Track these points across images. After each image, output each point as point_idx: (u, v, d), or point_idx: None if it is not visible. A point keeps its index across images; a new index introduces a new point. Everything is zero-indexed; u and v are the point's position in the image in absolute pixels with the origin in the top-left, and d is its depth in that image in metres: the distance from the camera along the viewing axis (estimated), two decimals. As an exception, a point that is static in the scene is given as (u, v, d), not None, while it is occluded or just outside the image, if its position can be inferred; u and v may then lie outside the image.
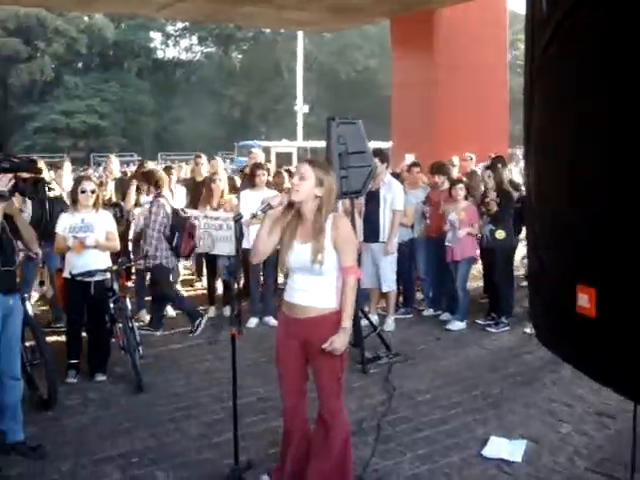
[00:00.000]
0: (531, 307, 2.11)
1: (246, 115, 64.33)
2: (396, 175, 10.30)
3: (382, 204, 8.74)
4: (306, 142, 45.43)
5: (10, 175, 4.17)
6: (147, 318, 9.28)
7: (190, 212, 9.49)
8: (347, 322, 4.26)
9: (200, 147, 55.59)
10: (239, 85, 64.77)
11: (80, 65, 64.97)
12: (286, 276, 4.68)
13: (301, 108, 48.78)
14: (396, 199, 8.79)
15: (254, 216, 4.41)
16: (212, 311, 9.84)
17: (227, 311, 9.69)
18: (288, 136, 48.41)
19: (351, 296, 4.30)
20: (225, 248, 9.30)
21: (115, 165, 11.56)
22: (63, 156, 49.79)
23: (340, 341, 4.22)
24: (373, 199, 8.73)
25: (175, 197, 10.00)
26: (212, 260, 9.84)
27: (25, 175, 4.46)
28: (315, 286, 4.32)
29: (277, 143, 43.75)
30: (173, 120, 65.11)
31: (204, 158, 11.61)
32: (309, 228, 4.33)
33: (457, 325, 9.03)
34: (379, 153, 8.87)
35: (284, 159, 34.99)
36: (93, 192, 7.11)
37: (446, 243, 9.04)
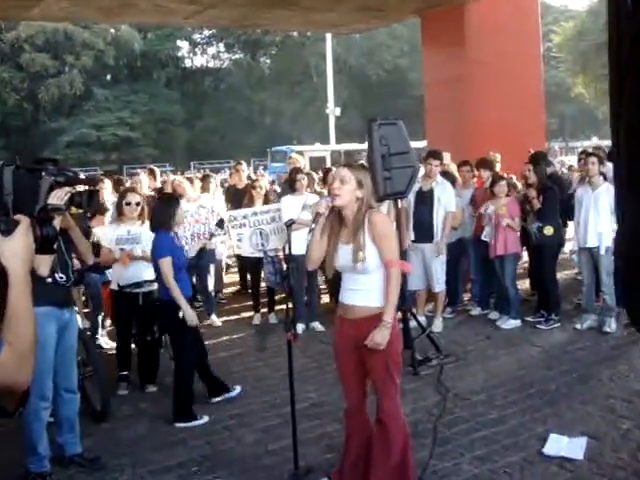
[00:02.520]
0: (631, 297, 2.04)
1: (277, 120, 64.48)
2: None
3: (436, 204, 8.83)
4: (339, 145, 45.54)
5: (67, 189, 4.24)
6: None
7: (238, 212, 9.66)
8: (388, 315, 4.33)
9: (232, 155, 56.07)
10: (269, 90, 64.96)
11: (109, 77, 65.55)
12: (333, 280, 4.73)
13: (332, 111, 48.79)
14: (449, 200, 8.90)
15: (310, 230, 4.48)
16: (257, 318, 9.95)
17: (273, 318, 9.81)
18: (320, 140, 48.54)
19: (394, 289, 4.38)
20: (278, 242, 9.42)
21: (145, 183, 11.49)
22: (96, 169, 50.53)
23: (380, 335, 4.29)
24: (425, 199, 8.85)
25: (216, 204, 10.13)
26: (256, 265, 9.94)
27: (80, 188, 4.54)
28: (362, 285, 4.42)
29: (310, 147, 43.86)
30: (204, 129, 65.51)
31: (244, 165, 11.74)
32: (351, 229, 4.44)
33: (511, 323, 9.02)
34: (436, 154, 9.01)
35: (318, 163, 35.03)
36: (138, 204, 7.24)
37: (483, 237, 9.08)
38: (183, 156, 60.64)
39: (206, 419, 6.37)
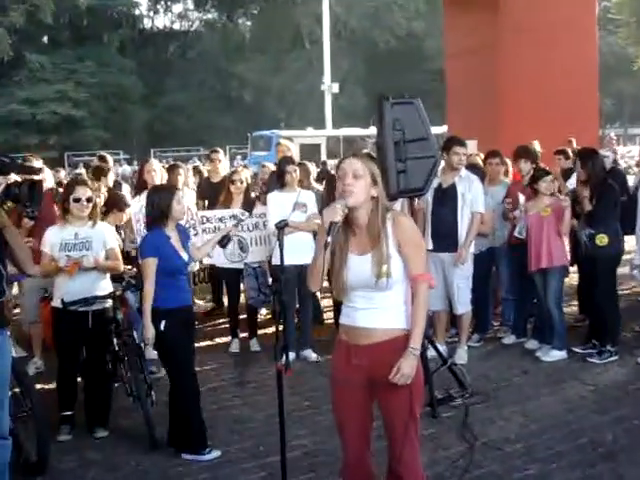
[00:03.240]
0: None
1: (260, 98, 64.60)
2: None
3: (460, 203, 8.81)
4: (337, 130, 45.58)
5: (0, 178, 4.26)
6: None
7: (212, 213, 9.74)
8: (417, 341, 4.35)
9: (203, 140, 56.09)
10: (250, 60, 65.09)
11: (45, 39, 65.56)
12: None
13: (329, 87, 48.94)
14: (477, 198, 8.88)
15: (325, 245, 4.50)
16: (235, 345, 9.95)
17: (254, 345, 9.84)
18: (313, 123, 48.58)
19: (423, 308, 4.41)
20: (260, 254, 9.45)
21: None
22: (31, 157, 49.76)
23: (409, 365, 4.29)
24: (446, 198, 8.84)
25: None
26: (234, 278, 9.96)
27: (18, 178, 4.56)
28: (381, 303, 4.42)
29: (301, 132, 43.93)
30: (168, 107, 65.53)
31: (221, 153, 11.74)
32: (364, 236, 4.42)
33: (554, 355, 9.01)
34: (456, 140, 9.04)
35: (311, 152, 35.01)
36: (89, 200, 7.19)
37: (515, 234, 9.11)
38: (141, 141, 60.71)
39: (218, 453, 6.57)
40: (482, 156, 11.01)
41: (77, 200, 7.14)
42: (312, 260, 4.55)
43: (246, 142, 46.41)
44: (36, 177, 5.37)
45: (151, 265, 6.51)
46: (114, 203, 8.80)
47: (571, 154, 11.59)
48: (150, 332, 6.48)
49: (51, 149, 56.24)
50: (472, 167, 9.74)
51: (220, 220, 9.61)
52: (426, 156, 7.60)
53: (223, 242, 7.36)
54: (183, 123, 63.95)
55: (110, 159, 12.69)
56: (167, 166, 11.08)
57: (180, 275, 6.73)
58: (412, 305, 4.41)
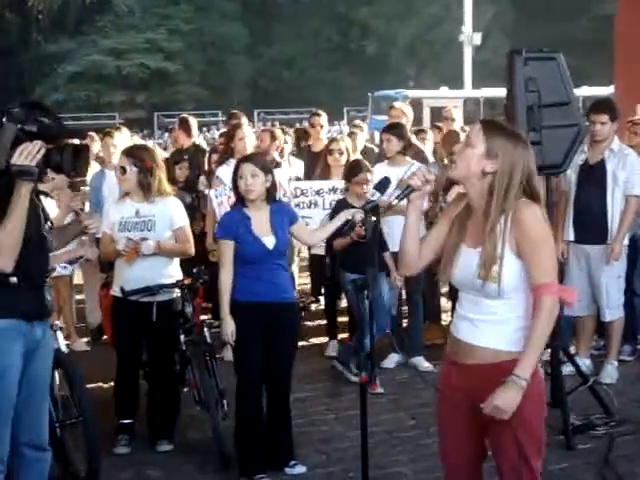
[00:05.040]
0: None
1: (385, 50, 64.49)
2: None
3: (610, 184, 8.65)
4: (478, 90, 45.22)
5: (39, 143, 4.28)
6: None
7: (307, 184, 9.95)
8: (524, 368, 4.11)
9: (317, 101, 56.16)
10: (374, 4, 64.94)
11: (136, -21, 66.61)
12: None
13: (470, 38, 48.55)
14: (633, 178, 8.66)
15: (390, 206, 4.42)
16: (333, 347, 10.03)
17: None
18: (449, 82, 48.30)
19: (544, 327, 4.18)
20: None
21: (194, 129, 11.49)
22: (114, 117, 50.80)
23: (506, 397, 4.09)
24: (592, 177, 8.69)
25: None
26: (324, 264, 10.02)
27: (62, 142, 4.60)
28: (490, 315, 4.30)
29: (433, 93, 43.90)
30: (275, 60, 65.91)
31: (324, 117, 11.74)
32: (480, 224, 4.32)
33: None
34: (602, 104, 8.82)
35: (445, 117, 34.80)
36: (125, 172, 7.27)
37: None
38: (243, 100, 61.11)
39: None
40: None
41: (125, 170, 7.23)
42: (400, 241, 4.52)
43: (367, 103, 46.33)
44: (81, 141, 5.40)
45: (226, 250, 6.63)
46: None
47: None
48: (229, 327, 6.56)
49: (138, 108, 57.18)
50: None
51: (317, 193, 9.62)
52: (567, 124, 7.48)
53: (345, 228, 6.89)
54: (293, 79, 64.31)
55: (194, 122, 12.77)
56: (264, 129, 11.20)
57: (262, 264, 6.69)
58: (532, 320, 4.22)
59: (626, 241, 8.79)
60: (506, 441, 4.25)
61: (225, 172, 9.18)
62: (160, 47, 60.49)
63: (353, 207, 7.62)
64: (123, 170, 7.24)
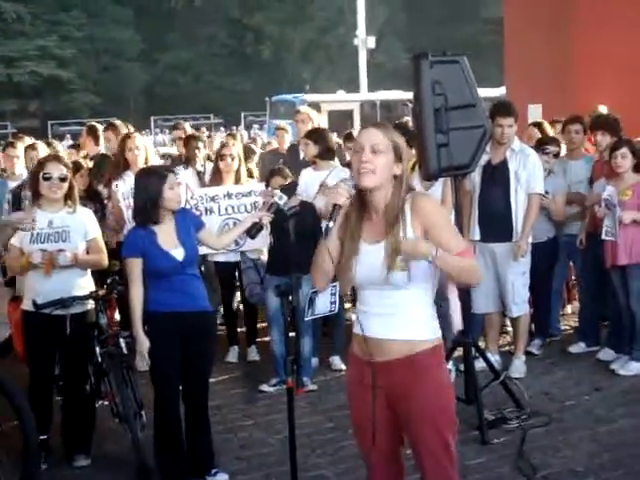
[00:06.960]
0: None
1: (280, 54, 64.59)
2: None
3: (513, 184, 8.75)
4: (373, 93, 45.54)
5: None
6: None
7: (204, 191, 9.73)
8: (443, 254, 4.22)
9: (211, 105, 56.04)
10: (267, 9, 65.01)
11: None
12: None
13: (364, 41, 48.82)
14: (533, 177, 8.77)
15: (325, 230, 4.48)
16: (234, 353, 10.03)
17: (253, 353, 9.98)
18: (345, 86, 48.54)
19: (464, 264, 4.38)
20: (260, 242, 9.24)
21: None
22: (6, 126, 50.06)
23: (413, 244, 4.24)
24: (496, 177, 8.79)
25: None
26: (228, 273, 10.04)
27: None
28: (397, 307, 4.36)
29: (331, 97, 43.98)
30: (171, 66, 65.59)
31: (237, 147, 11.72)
32: (381, 222, 4.38)
33: (634, 368, 8.93)
34: (508, 107, 8.92)
35: (341, 120, 34.97)
36: (64, 180, 7.14)
37: (603, 236, 8.93)
38: (139, 108, 60.74)
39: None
40: (546, 125, 10.97)
41: (48, 178, 7.09)
42: (315, 252, 4.54)
43: (264, 108, 46.33)
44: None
45: (134, 267, 6.55)
46: None
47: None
48: (144, 345, 6.51)
49: (32, 117, 56.32)
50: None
51: (212, 200, 9.54)
52: (473, 126, 7.58)
53: (252, 231, 6.91)
54: (190, 85, 64.02)
55: (100, 128, 12.62)
56: (184, 137, 11.10)
57: (174, 276, 6.61)
58: None
59: (531, 239, 8.93)
60: (429, 430, 4.37)
61: (122, 187, 9.21)
62: (52, 54, 59.73)
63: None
64: (62, 178, 7.10)
